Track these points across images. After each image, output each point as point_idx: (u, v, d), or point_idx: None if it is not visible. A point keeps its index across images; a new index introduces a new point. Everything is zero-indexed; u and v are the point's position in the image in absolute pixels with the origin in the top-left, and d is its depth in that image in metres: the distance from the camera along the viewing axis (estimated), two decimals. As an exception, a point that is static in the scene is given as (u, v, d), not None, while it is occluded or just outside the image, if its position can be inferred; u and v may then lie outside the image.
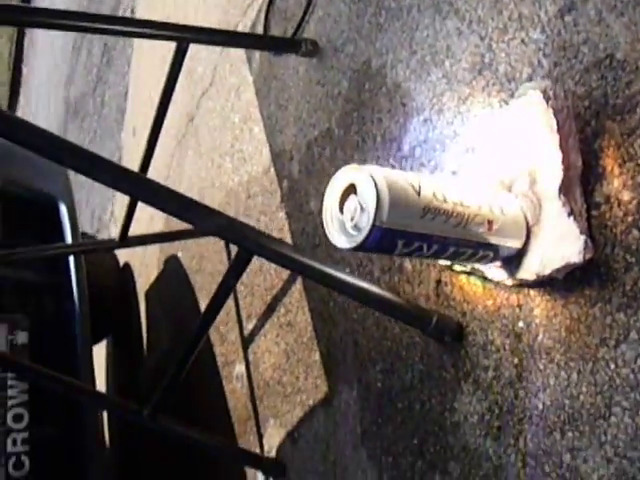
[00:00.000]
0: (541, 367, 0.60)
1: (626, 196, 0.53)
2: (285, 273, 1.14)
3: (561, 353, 0.58)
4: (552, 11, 0.61)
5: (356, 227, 0.47)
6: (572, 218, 0.53)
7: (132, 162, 1.99)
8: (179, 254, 1.62)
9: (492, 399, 0.65)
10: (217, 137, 1.45)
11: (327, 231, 0.49)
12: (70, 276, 1.42)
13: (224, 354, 1.36)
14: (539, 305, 0.60)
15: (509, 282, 0.60)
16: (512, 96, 0.65)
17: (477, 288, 0.68)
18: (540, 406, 0.59)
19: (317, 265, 0.66)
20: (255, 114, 1.26)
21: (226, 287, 0.73)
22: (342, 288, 0.68)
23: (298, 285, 1.07)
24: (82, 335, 1.39)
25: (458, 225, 0.51)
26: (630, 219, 0.53)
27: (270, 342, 1.15)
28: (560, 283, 0.58)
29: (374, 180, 0.45)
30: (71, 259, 1.40)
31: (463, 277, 0.70)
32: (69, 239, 1.37)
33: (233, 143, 1.37)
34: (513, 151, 0.59)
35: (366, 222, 0.45)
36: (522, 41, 0.64)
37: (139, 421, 0.98)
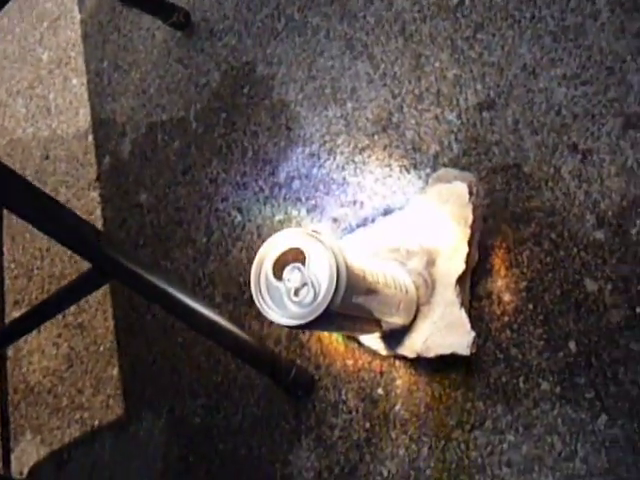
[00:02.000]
0: (393, 436, 0.62)
1: (506, 297, 0.58)
2: (83, 263, 0.95)
3: (416, 427, 0.61)
4: (472, 101, 0.64)
5: (299, 303, 0.40)
6: (463, 310, 0.56)
7: None
8: None
9: (334, 458, 0.65)
10: (9, 68, 1.14)
11: (257, 296, 0.41)
12: None
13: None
14: (402, 377, 0.62)
15: (384, 353, 0.60)
16: (415, 165, 0.66)
17: (338, 345, 0.67)
18: (385, 473, 0.61)
19: (178, 296, 0.55)
20: (77, 62, 1.03)
21: (53, 308, 0.56)
22: (196, 324, 0.59)
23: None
24: None
25: (379, 305, 0.48)
26: (506, 319, 0.58)
27: (46, 341, 0.95)
28: (426, 361, 0.61)
29: (336, 262, 0.40)
30: None
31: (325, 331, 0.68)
32: None
33: (33, 84, 1.09)
34: (415, 227, 0.60)
35: (316, 302, 0.39)
36: (436, 117, 0.66)
37: None
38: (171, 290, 0.53)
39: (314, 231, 0.42)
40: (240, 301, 0.75)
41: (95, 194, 0.94)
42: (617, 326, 0.53)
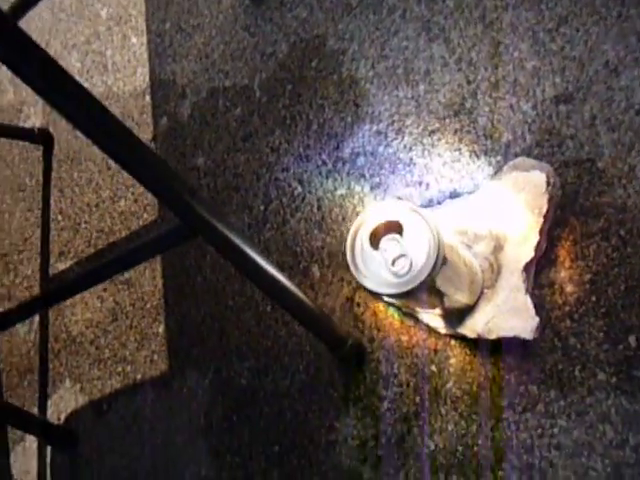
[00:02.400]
0: (443, 412, 0.64)
1: (569, 288, 0.60)
2: (132, 220, 0.97)
3: (467, 405, 0.63)
4: (549, 94, 0.65)
5: (395, 273, 0.42)
6: (529, 296, 0.58)
7: None
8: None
9: (381, 429, 0.67)
10: (64, 20, 1.14)
11: (352, 262, 0.43)
12: None
13: (7, 286, 1.10)
14: (456, 356, 0.64)
15: (443, 331, 0.62)
16: (485, 152, 0.67)
17: (393, 320, 0.69)
18: (432, 446, 0.64)
19: (256, 259, 0.57)
20: (137, 21, 1.03)
21: (139, 254, 0.58)
22: (266, 285, 0.61)
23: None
24: None
25: (455, 278, 0.50)
26: (567, 309, 0.60)
27: (91, 294, 0.97)
28: (483, 343, 0.63)
29: (436, 237, 0.41)
30: None
31: (381, 304, 0.70)
32: None
33: (90, 39, 1.10)
34: (485, 211, 0.61)
35: (412, 275, 0.41)
36: (511, 106, 0.67)
37: None
38: (251, 253, 0.54)
39: (411, 206, 0.43)
40: (295, 270, 0.77)
41: (150, 154, 0.95)
42: (680, 324, 0.54)
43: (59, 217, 1.06)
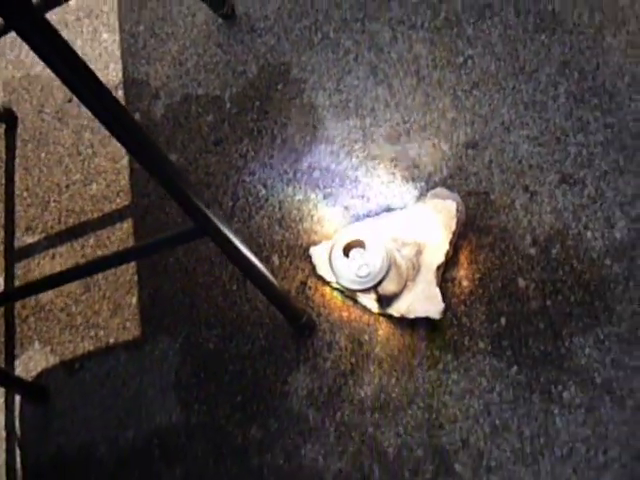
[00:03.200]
0: (371, 369, 0.86)
1: (465, 283, 0.84)
2: (103, 203, 1.08)
3: (389, 364, 0.86)
4: (462, 139, 0.87)
5: (360, 276, 0.61)
6: (438, 288, 0.81)
7: None
8: None
9: (324, 382, 0.88)
10: (31, 3, 1.19)
11: (331, 265, 0.62)
12: None
13: (-35, 255, 1.16)
14: (384, 329, 0.87)
15: (375, 311, 0.84)
16: (414, 178, 0.89)
17: (337, 300, 0.90)
18: (362, 394, 0.86)
19: (243, 251, 0.74)
20: (109, 18, 1.12)
21: (153, 247, 0.73)
22: (236, 257, 0.77)
23: (128, 223, 1.04)
24: None
25: (397, 277, 0.71)
26: (462, 298, 0.84)
27: (60, 266, 1.08)
28: (405, 320, 0.86)
29: (388, 256, 0.61)
30: None
31: (327, 288, 0.90)
32: None
33: (58, 26, 1.16)
34: (412, 225, 0.83)
35: (368, 278, 0.61)
36: (434, 145, 0.89)
37: None
38: (241, 247, 0.72)
39: (372, 228, 0.63)
40: (259, 258, 0.95)
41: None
42: (534, 311, 0.81)
43: (24, 194, 1.14)
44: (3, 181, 1.15)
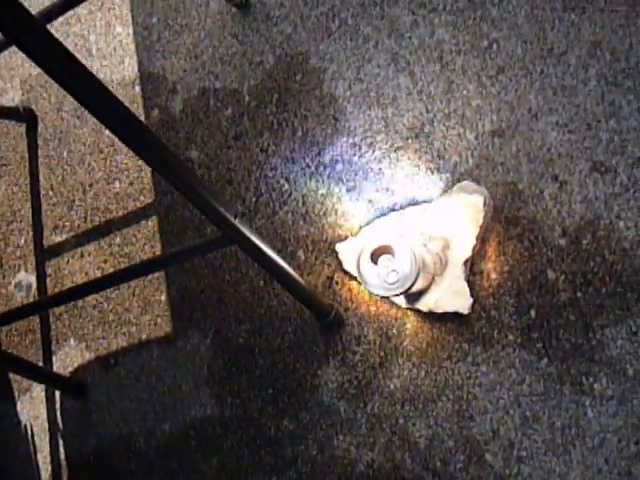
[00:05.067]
0: (400, 362, 0.87)
1: (493, 275, 0.84)
2: (128, 202, 1.09)
3: (417, 357, 0.86)
4: (488, 128, 0.85)
5: (388, 282, 0.61)
6: (466, 283, 0.80)
7: None
8: None
9: (354, 375, 0.89)
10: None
11: (359, 273, 0.62)
12: None
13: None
14: (412, 322, 0.87)
15: (403, 306, 0.84)
16: (439, 169, 0.87)
17: (364, 294, 0.90)
18: (392, 386, 0.87)
19: (268, 252, 0.75)
20: (122, 11, 1.10)
21: (176, 257, 0.73)
22: (264, 262, 0.78)
23: (152, 221, 1.05)
24: None
25: (425, 281, 0.71)
26: (491, 290, 0.83)
27: (90, 265, 1.10)
28: (433, 314, 0.86)
29: (417, 264, 0.61)
30: None
31: (354, 283, 0.90)
32: None
33: (70, 21, 1.15)
34: (439, 219, 0.82)
35: (397, 284, 0.61)
36: (459, 135, 0.86)
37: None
38: (266, 250, 0.72)
39: (401, 234, 0.63)
40: (284, 254, 0.95)
41: (143, 142, 1.07)
42: (564, 303, 0.80)
43: (50, 193, 1.15)
44: (28, 180, 1.16)
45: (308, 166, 0.95)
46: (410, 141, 0.89)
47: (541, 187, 0.82)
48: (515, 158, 0.84)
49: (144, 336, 1.05)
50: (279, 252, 0.95)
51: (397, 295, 0.62)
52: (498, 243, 0.84)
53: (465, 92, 0.87)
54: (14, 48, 1.20)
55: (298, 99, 0.96)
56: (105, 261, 1.09)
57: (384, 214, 0.89)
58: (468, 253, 0.80)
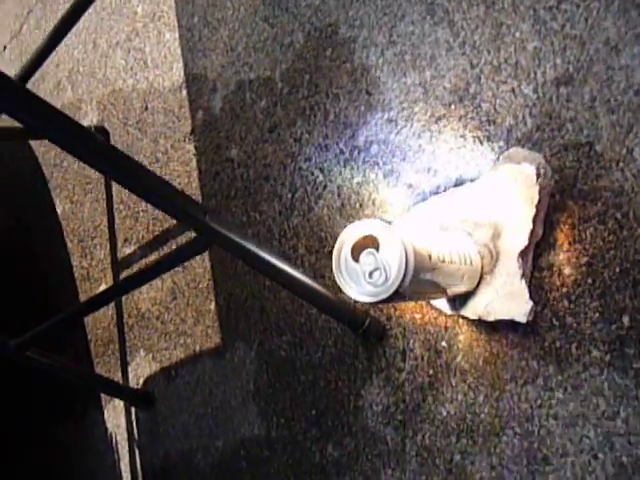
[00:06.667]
0: (453, 383, 0.70)
1: (567, 270, 0.63)
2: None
3: (474, 377, 0.69)
4: (550, 75, 0.65)
5: (373, 283, 0.48)
6: (524, 281, 0.61)
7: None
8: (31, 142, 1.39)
9: (400, 397, 0.74)
10: (107, 19, 1.22)
11: (337, 274, 0.49)
12: None
13: (86, 268, 1.26)
14: (464, 333, 0.70)
15: (448, 313, 0.67)
16: (489, 138, 0.69)
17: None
18: (444, 413, 0.71)
19: (270, 259, 0.64)
20: (170, 17, 1.09)
21: (165, 265, 0.67)
22: (282, 280, 0.68)
23: (200, 229, 1.02)
24: None
25: (442, 281, 0.55)
26: (564, 290, 0.63)
27: (153, 275, 1.10)
28: (487, 322, 0.68)
29: (405, 250, 0.46)
30: None
31: (396, 285, 0.76)
32: None
33: (130, 37, 1.17)
34: (485, 201, 0.64)
35: (386, 285, 0.47)
36: (512, 90, 0.67)
37: (4, 352, 0.89)
38: (262, 254, 0.62)
39: (387, 221, 0.48)
40: (321, 254, 0.84)
41: (190, 146, 1.04)
42: (671, 306, 0.56)
43: (121, 207, 1.18)
44: (104, 196, 1.20)
45: (342, 152, 0.82)
46: (453, 107, 0.72)
47: (629, 145, 0.59)
48: (590, 110, 0.62)
49: (198, 348, 1.01)
50: (316, 253, 0.84)
51: (382, 302, 0.47)
52: (571, 226, 0.63)
53: (518, 34, 0.67)
54: (92, 72, 1.26)
55: (329, 77, 0.84)
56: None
57: (425, 199, 0.73)
58: (524, 242, 0.61)
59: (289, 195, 0.88)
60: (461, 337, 0.70)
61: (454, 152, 0.71)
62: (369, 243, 0.48)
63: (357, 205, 0.80)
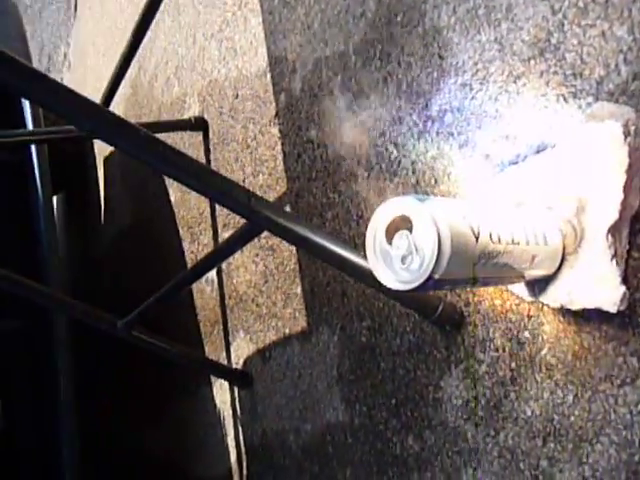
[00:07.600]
0: (538, 379, 0.62)
1: (674, 249, 0.51)
2: (277, 188, 1.08)
3: (562, 374, 0.60)
4: (649, 10, 0.53)
5: (407, 269, 0.43)
6: (614, 262, 0.51)
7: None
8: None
9: (480, 391, 0.68)
10: (202, 13, 1.26)
11: (370, 258, 0.45)
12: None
13: (194, 252, 1.34)
14: (550, 323, 0.61)
15: (527, 299, 0.59)
16: (574, 94, 0.58)
17: (487, 284, 0.67)
18: (529, 413, 0.63)
19: (338, 251, 0.61)
20: (254, 2, 1.09)
21: (224, 253, 0.68)
22: (350, 270, 0.65)
23: (286, 209, 1.02)
24: (43, 187, 1.34)
25: (505, 265, 0.48)
26: (671, 273, 0.52)
27: (247, 259, 1.13)
28: (567, 310, 0.58)
29: (437, 230, 0.41)
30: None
31: (474, 268, 0.68)
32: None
33: (222, 27, 1.20)
34: (566, 171, 0.54)
35: (420, 270, 0.42)
36: (602, 34, 0.56)
37: (114, 332, 0.98)
38: (312, 236, 0.59)
39: (422, 198, 0.42)
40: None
41: (275, 130, 1.04)
42: None
43: (221, 193, 1.22)
44: (207, 184, 1.25)
45: (415, 124, 0.76)
46: (533, 62, 0.62)
47: None
48: (703, 47, 0.49)
49: (287, 330, 1.01)
50: (392, 234, 0.79)
51: (415, 290, 0.41)
52: (679, 195, 0.51)
53: (610, -36, 0.55)
54: (193, 66, 1.32)
55: (401, 44, 0.78)
56: (257, 254, 1.09)
57: (503, 170, 0.64)
58: (614, 216, 0.50)
59: (365, 174, 0.84)
60: (546, 327, 0.61)
61: (535, 115, 0.62)
62: (404, 224, 0.43)
63: (432, 181, 0.73)
